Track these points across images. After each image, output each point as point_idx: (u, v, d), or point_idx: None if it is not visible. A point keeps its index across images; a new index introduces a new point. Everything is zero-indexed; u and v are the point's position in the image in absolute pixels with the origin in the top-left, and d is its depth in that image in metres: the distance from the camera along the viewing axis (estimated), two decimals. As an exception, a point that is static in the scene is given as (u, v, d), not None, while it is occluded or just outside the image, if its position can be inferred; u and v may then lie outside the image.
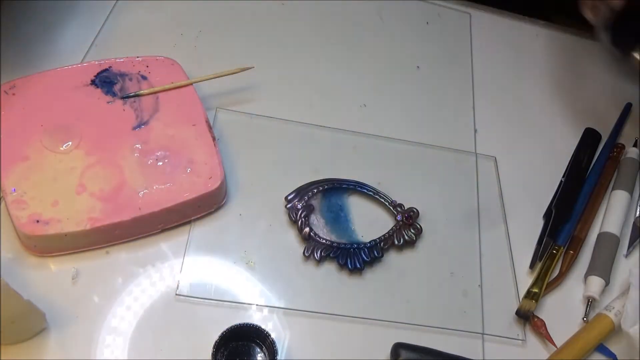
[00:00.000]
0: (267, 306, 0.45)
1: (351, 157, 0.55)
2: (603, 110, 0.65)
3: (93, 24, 0.57)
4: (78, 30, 0.56)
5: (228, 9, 0.62)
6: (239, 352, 0.41)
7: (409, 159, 0.56)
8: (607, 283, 0.50)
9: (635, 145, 0.60)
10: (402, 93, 0.61)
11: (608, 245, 0.53)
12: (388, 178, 0.54)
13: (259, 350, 0.41)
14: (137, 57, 0.52)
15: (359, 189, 0.52)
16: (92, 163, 0.45)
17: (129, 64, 0.51)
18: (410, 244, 0.50)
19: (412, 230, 0.50)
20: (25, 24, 0.55)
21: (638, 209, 0.57)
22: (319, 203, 0.50)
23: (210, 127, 0.49)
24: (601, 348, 0.47)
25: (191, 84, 0.51)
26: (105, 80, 0.50)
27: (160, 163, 0.46)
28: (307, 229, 0.48)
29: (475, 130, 0.60)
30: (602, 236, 0.54)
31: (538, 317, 0.47)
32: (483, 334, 0.47)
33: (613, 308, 0.48)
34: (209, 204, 0.47)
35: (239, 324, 0.40)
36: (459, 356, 0.44)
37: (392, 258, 0.50)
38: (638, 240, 0.55)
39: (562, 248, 0.52)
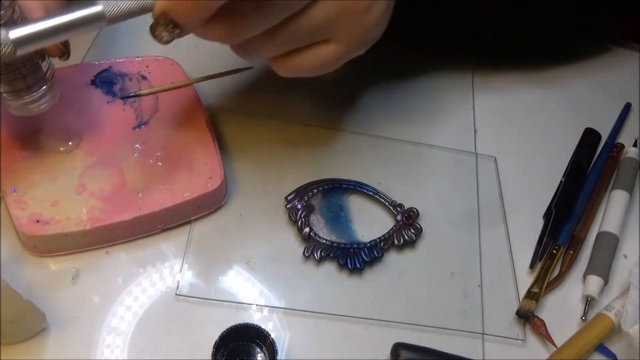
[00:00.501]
0: (267, 306, 0.45)
1: (351, 157, 0.55)
2: (603, 110, 0.64)
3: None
4: (78, 30, 0.56)
5: (228, 9, 0.62)
6: (239, 352, 0.41)
7: (408, 159, 0.56)
8: (606, 282, 0.50)
9: (635, 145, 0.60)
10: (402, 93, 0.61)
11: (607, 245, 0.53)
12: (388, 178, 0.54)
13: (259, 350, 0.41)
14: (137, 57, 0.52)
15: (359, 189, 0.52)
16: (92, 163, 0.45)
17: (129, 64, 0.51)
18: (410, 244, 0.50)
19: (412, 230, 0.50)
20: (25, 24, 0.55)
21: None
22: (319, 203, 0.50)
23: (210, 127, 0.49)
24: (601, 348, 0.47)
25: (191, 84, 0.51)
26: (105, 80, 0.50)
27: (160, 163, 0.46)
28: (307, 229, 0.48)
29: (475, 130, 0.60)
30: (601, 236, 0.54)
31: (538, 317, 0.47)
32: (483, 334, 0.47)
33: (613, 308, 0.48)
34: (209, 204, 0.47)
35: (239, 324, 0.40)
36: (459, 356, 0.44)
37: (392, 258, 0.50)
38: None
39: (562, 248, 0.52)
